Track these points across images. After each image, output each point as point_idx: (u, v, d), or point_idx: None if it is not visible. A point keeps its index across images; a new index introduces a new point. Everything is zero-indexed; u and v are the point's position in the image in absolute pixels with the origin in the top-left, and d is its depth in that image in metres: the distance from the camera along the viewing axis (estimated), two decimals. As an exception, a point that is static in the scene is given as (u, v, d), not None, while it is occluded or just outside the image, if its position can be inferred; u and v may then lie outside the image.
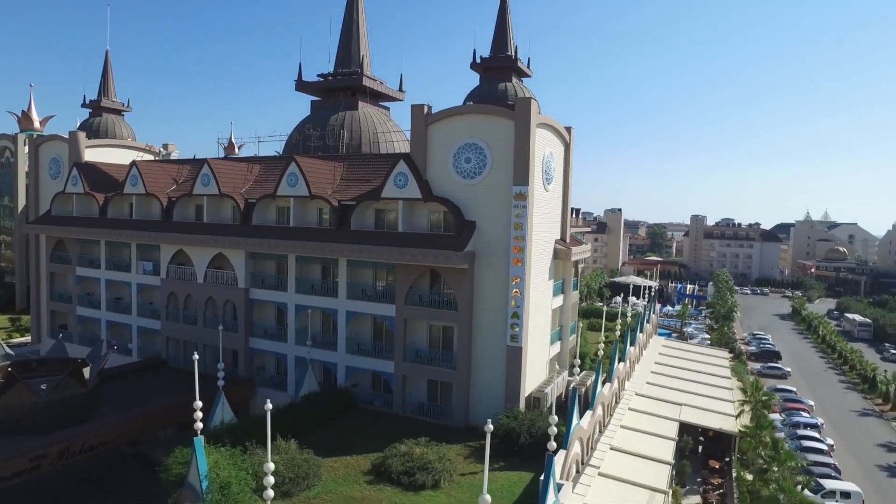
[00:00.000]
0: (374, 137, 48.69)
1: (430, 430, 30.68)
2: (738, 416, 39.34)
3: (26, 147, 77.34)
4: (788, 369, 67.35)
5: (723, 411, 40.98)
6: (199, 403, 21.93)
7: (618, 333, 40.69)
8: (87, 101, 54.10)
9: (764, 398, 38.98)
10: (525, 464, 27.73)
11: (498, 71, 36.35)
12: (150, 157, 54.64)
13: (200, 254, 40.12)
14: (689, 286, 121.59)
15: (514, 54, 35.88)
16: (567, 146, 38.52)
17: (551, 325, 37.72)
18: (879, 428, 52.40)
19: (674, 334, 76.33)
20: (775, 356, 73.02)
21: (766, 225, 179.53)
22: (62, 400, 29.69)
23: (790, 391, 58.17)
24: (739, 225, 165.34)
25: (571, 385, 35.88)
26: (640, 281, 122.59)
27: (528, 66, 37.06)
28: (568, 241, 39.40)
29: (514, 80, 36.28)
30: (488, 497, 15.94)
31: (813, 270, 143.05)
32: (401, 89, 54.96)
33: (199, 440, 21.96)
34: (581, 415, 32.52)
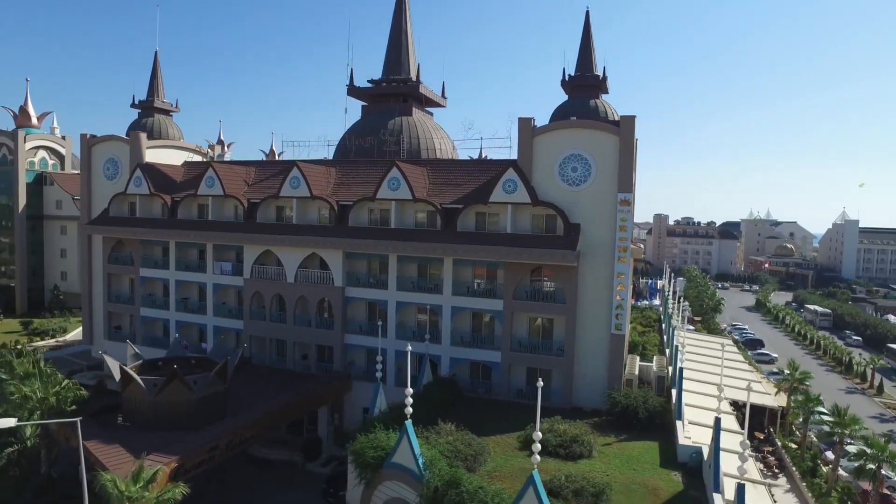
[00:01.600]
0: (430, 143, 51.42)
1: (535, 411, 34.06)
2: (776, 392, 45.13)
3: (26, 144, 74.74)
4: (776, 355, 75.04)
5: (756, 389, 46.62)
6: (409, 390, 24.56)
7: (673, 324, 45.62)
8: (137, 102, 53.68)
9: (800, 377, 44.71)
10: (643, 434, 31.72)
11: (585, 89, 40.17)
12: (200, 158, 54.91)
13: (291, 254, 41.64)
14: (659, 281, 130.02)
15: (602, 74, 39.82)
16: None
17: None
18: (866, 403, 60.14)
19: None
20: (759, 344, 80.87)
21: (716, 223, 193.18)
22: (209, 396, 31.07)
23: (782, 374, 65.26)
24: (699, 223, 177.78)
25: (654, 368, 40.38)
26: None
27: (606, 83, 41.09)
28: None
29: (601, 96, 40.24)
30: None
31: (767, 266, 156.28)
32: (443, 95, 57.89)
33: (409, 424, 24.49)
34: (666, 393, 37.14)
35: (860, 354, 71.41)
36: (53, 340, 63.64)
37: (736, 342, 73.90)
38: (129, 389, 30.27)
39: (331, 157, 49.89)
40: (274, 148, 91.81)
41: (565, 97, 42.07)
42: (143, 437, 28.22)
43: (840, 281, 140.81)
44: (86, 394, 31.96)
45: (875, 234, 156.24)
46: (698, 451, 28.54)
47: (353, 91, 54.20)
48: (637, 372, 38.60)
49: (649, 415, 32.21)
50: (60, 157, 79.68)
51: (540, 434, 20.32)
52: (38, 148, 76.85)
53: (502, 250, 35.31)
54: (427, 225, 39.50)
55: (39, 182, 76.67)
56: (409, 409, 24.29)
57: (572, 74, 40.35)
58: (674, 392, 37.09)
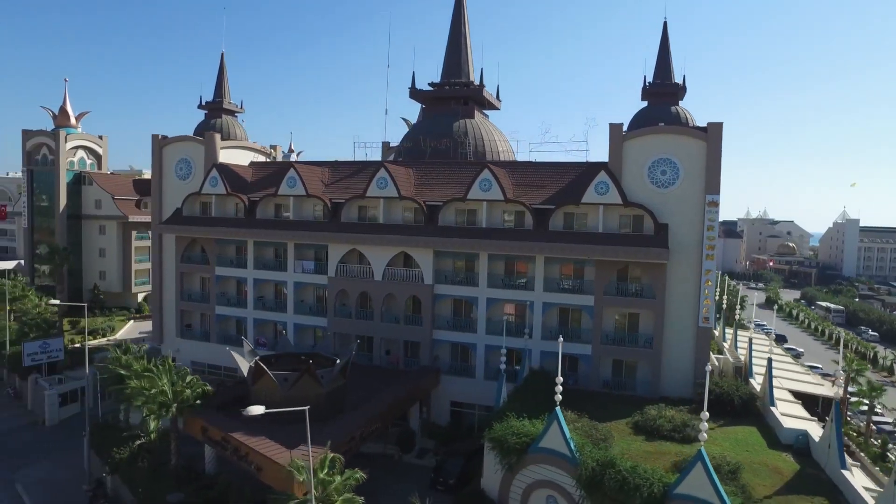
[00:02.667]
0: (493, 145, 53.11)
1: (625, 400, 36.07)
2: (833, 383, 47.60)
3: (67, 144, 74.88)
4: (802, 349, 78.05)
5: (808, 380, 49.18)
6: (560, 379, 26.33)
7: (738, 318, 48.00)
8: (204, 103, 54.54)
9: (857, 368, 47.29)
10: (738, 420, 33.76)
11: (664, 96, 42.24)
12: (264, 158, 55.96)
13: (379, 253, 43.02)
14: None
15: (682, 82, 41.88)
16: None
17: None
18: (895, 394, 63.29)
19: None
20: (783, 339, 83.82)
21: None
22: (333, 391, 32.45)
23: (818, 367, 68.21)
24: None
25: (731, 359, 42.56)
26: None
27: (685, 91, 43.19)
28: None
29: (676, 102, 42.36)
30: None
31: (771, 264, 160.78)
32: (497, 97, 59.65)
33: (559, 410, 26.19)
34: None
35: (885, 349, 74.67)
36: (105, 339, 64.09)
37: (767, 337, 76.70)
38: (260, 384, 31.50)
39: (378, 158, 51.50)
40: (293, 147, 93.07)
41: (634, 102, 44.48)
42: (279, 430, 29.38)
43: (842, 279, 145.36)
44: (211, 389, 33.10)
45: (874, 232, 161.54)
46: (804, 434, 30.66)
47: (414, 94, 55.71)
48: (717, 363, 40.71)
49: (743, 401, 34.33)
50: (98, 157, 79.82)
51: (707, 414, 22.04)
52: (76, 148, 76.94)
53: (598, 249, 37.16)
54: (515, 224, 41.19)
55: (78, 182, 76.71)
56: (559, 397, 26.01)
57: (651, 82, 42.39)
58: (752, 381, 39.45)
